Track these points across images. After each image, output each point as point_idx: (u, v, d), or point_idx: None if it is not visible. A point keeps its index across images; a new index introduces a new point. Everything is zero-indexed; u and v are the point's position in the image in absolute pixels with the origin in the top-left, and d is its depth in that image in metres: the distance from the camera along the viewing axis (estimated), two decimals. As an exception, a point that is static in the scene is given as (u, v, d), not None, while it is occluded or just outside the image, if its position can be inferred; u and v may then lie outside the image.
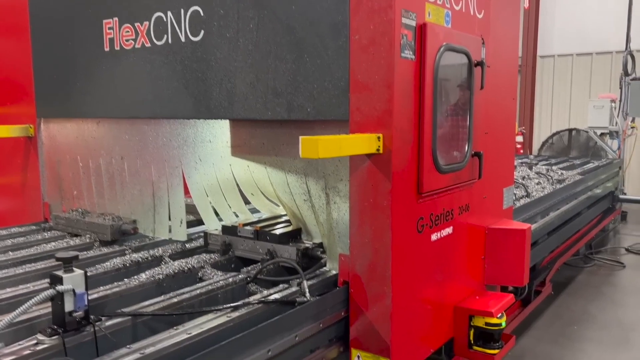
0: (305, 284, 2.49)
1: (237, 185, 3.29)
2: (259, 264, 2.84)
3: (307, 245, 2.85)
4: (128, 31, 3.03)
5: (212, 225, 3.25)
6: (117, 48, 3.10)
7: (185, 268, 2.80)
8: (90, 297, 2.36)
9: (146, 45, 2.95)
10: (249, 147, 2.86)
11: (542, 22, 12.59)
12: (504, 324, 2.72)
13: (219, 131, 3.04)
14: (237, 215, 3.39)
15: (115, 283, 2.58)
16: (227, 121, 2.97)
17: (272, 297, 2.38)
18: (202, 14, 2.69)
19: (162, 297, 2.38)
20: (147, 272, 2.72)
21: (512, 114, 3.36)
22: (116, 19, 3.07)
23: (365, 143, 2.17)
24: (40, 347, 1.84)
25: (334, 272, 2.60)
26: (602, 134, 9.02)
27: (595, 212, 6.81)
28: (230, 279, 2.65)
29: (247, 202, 3.48)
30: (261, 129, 2.81)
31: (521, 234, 3.02)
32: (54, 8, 3.45)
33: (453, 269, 2.72)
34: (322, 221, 2.68)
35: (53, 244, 3.29)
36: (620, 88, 8.91)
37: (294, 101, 2.44)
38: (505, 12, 3.10)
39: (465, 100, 2.67)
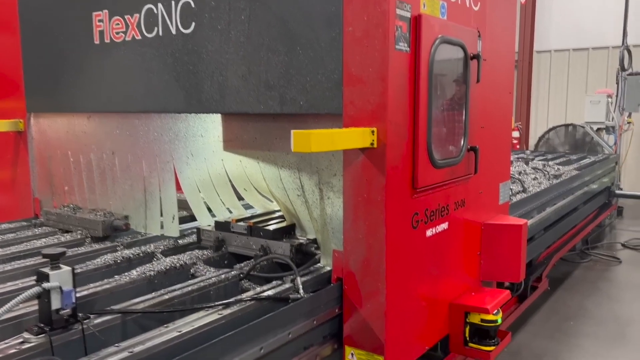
0: (299, 280, 2.45)
1: (230, 180, 3.24)
2: (253, 260, 2.80)
3: (301, 241, 2.82)
4: (118, 23, 2.97)
5: (205, 221, 3.21)
6: (107, 41, 3.04)
7: (177, 264, 2.76)
8: (79, 294, 2.33)
9: (137, 37, 2.90)
10: (241, 141, 2.81)
11: (539, 17, 12.56)
12: (499, 321, 2.69)
13: (211, 125, 3.00)
14: (230, 211, 3.34)
15: (106, 280, 2.54)
16: (219, 115, 2.92)
17: (264, 294, 2.35)
18: (193, 5, 2.64)
19: (152, 294, 2.34)
20: (138, 269, 2.67)
21: (509, 108, 3.33)
22: (106, 11, 3.01)
23: (359, 137, 2.13)
24: (26, 345, 1.80)
25: (328, 268, 2.57)
26: (598, 129, 9.01)
27: (591, 207, 6.81)
28: (223, 276, 2.61)
29: (240, 197, 3.44)
30: (253, 123, 2.76)
31: (517, 230, 2.99)
32: (44, 0, 3.38)
33: (448, 265, 2.69)
34: (315, 217, 2.65)
35: (43, 240, 3.24)
36: (617, 83, 8.90)
37: (286, 94, 2.40)
38: (502, 5, 3.06)
39: (461, 94, 2.63)
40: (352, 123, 2.22)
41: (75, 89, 3.28)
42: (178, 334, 1.95)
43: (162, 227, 3.19)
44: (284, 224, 2.96)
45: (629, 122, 9.10)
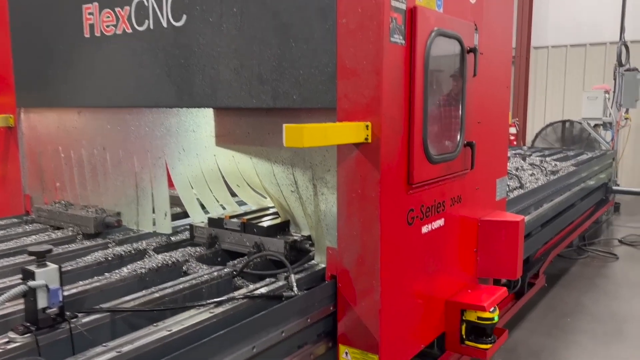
0: (293, 277, 2.42)
1: (223, 176, 3.20)
2: (246, 257, 2.76)
3: (295, 237, 2.77)
4: (109, 16, 2.91)
5: (198, 218, 3.16)
6: (98, 34, 2.99)
7: (169, 262, 2.71)
8: (69, 292, 2.30)
9: (127, 31, 2.84)
10: (233, 136, 2.76)
11: (536, 13, 12.52)
12: (496, 318, 2.66)
13: (203, 120, 2.94)
14: (223, 208, 3.30)
15: (96, 277, 2.49)
16: (211, 110, 2.87)
17: (257, 292, 2.31)
18: (184, -3, 2.59)
19: (143, 292, 2.29)
20: (129, 266, 2.63)
21: (506, 103, 3.28)
22: (96, 3, 2.96)
23: (353, 132, 2.08)
24: (11, 345, 1.76)
25: (322, 265, 2.53)
26: (595, 125, 8.98)
27: (588, 203, 6.79)
28: (215, 273, 2.56)
29: (233, 194, 3.39)
30: (246, 118, 2.71)
31: (514, 226, 2.95)
32: (33, -7, 3.33)
33: (444, 262, 2.65)
34: (310, 213, 2.60)
35: (34, 237, 3.19)
36: (614, 79, 8.87)
37: (279, 88, 2.35)
38: (499, -2, 3.02)
39: (458, 88, 2.59)
40: (347, 117, 2.18)
41: (65, 84, 3.22)
42: (168, 333, 1.91)
43: (154, 223, 3.14)
44: (278, 221, 2.91)
45: (626, 118, 9.07)
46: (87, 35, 3.04)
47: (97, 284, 2.41)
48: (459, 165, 2.62)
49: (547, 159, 6.73)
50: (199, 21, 2.55)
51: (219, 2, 2.46)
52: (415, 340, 2.49)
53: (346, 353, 2.32)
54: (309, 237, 2.74)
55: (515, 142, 10.57)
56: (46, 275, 1.86)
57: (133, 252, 2.89)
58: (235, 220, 2.91)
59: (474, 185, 2.85)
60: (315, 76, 2.26)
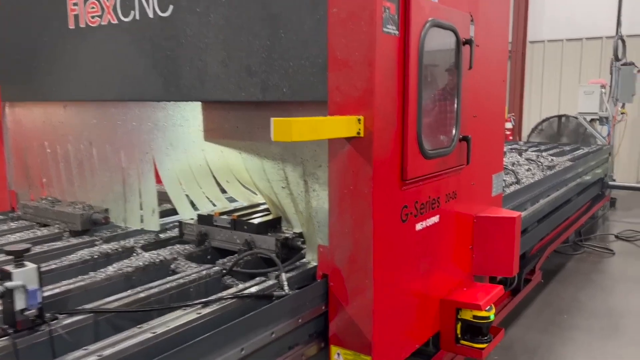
0: (284, 276, 2.35)
1: (212, 172, 3.12)
2: (236, 255, 2.68)
3: (287, 235, 2.70)
4: (94, 7, 2.82)
5: (188, 215, 3.08)
6: (83, 25, 2.90)
7: (157, 260, 2.64)
8: (51, 293, 2.22)
9: (112, 21, 2.75)
10: (222, 131, 2.68)
11: (532, 7, 12.45)
12: (492, 317, 2.60)
13: (191, 114, 2.86)
14: (214, 204, 3.22)
15: (80, 277, 2.41)
16: (199, 103, 2.78)
17: (247, 292, 2.24)
18: (170, -14, 2.50)
19: (128, 292, 2.22)
20: (114, 265, 2.55)
21: (502, 96, 3.22)
22: (81, -6, 2.87)
23: (344, 126, 2.01)
24: (-12, 348, 1.68)
25: (314, 263, 2.46)
26: (592, 120, 8.94)
27: (585, 198, 6.75)
28: (204, 272, 2.49)
29: (224, 190, 3.31)
30: (235, 112, 2.63)
31: (510, 222, 2.89)
32: (16, -16, 3.23)
33: (439, 260, 2.58)
34: (301, 210, 2.53)
35: (19, 234, 3.11)
36: (611, 73, 8.82)
37: (268, 80, 2.27)
38: (496, -11, 2.94)
39: (453, 81, 2.51)
40: (338, 111, 2.10)
41: (50, 77, 3.13)
42: (152, 335, 1.84)
43: (142, 220, 3.06)
44: (269, 217, 2.84)
45: (622, 113, 9.02)
46: (71, 26, 2.95)
47: (81, 283, 2.34)
48: (454, 161, 2.55)
49: (544, 153, 6.68)
50: (186, 11, 2.46)
51: (207, -9, 2.38)
52: (409, 341, 2.42)
53: (338, 354, 2.25)
54: (301, 234, 2.67)
55: (511, 137, 10.53)
56: (24, 275, 1.79)
57: (120, 250, 2.81)
58: (225, 217, 2.83)
59: (470, 180, 2.79)
60: (305, 68, 2.18)
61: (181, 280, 2.38)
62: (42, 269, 2.49)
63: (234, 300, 2.14)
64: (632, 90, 8.72)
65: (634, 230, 7.68)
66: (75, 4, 2.91)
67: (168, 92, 2.60)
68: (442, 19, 2.31)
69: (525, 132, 11.66)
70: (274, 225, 2.80)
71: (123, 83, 2.78)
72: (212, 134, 2.72)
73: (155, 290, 2.26)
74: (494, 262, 2.90)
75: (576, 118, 9.04)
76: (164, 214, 3.36)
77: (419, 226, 2.36)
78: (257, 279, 2.40)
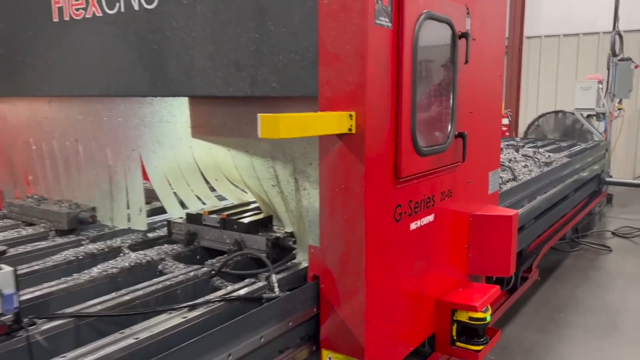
0: (274, 278, 2.28)
1: (200, 169, 3.03)
2: (226, 255, 2.61)
3: (277, 234, 2.63)
4: (78, -1, 2.73)
5: (176, 213, 3.00)
6: (67, 18, 2.80)
7: (144, 261, 2.56)
8: (32, 295, 2.14)
9: (97, 14, 2.66)
10: (210, 127, 2.59)
11: (529, 2, 12.37)
12: (488, 318, 2.53)
13: (178, 110, 2.77)
14: (204, 203, 3.14)
15: (63, 278, 2.33)
16: (186, 99, 2.69)
17: (235, 294, 2.16)
18: (156, -23, 2.41)
19: (112, 295, 2.14)
20: (99, 266, 2.47)
21: (499, 92, 3.14)
22: (64, -15, 2.77)
23: (335, 122, 1.92)
24: (-39, 356, 1.60)
25: (305, 264, 2.38)
26: (588, 116, 8.88)
27: (582, 195, 6.69)
28: (192, 273, 2.41)
29: (213, 188, 3.23)
30: (223, 107, 2.54)
31: (507, 221, 2.82)
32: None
33: (434, 260, 2.51)
34: (292, 209, 2.45)
35: (3, 234, 3.03)
36: (608, 69, 8.76)
37: (257, 75, 2.19)
38: (493, -19, 2.86)
39: (448, 76, 2.43)
40: (329, 106, 2.02)
41: (34, 72, 3.04)
42: (135, 341, 1.76)
43: (129, 219, 2.98)
44: (260, 216, 2.76)
45: (619, 109, 8.96)
46: (55, 19, 2.86)
47: (64, 285, 2.26)
48: (449, 158, 2.48)
49: (540, 150, 6.62)
50: (172, 3, 2.37)
51: (193, -18, 2.29)
52: (403, 343, 2.35)
53: (329, 358, 2.18)
54: (292, 234, 2.60)
55: (507, 133, 10.47)
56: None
57: (106, 250, 2.74)
58: (214, 216, 2.76)
59: (466, 178, 2.71)
60: (295, 62, 2.10)
61: (168, 282, 2.30)
62: (24, 271, 2.44)
63: (221, 303, 2.07)
64: (629, 85, 8.66)
65: (630, 227, 7.64)
66: (59, -4, 2.81)
67: (154, 87, 2.51)
68: (437, 11, 2.23)
69: (521, 128, 11.59)
70: (264, 224, 2.73)
71: (108, 78, 2.69)
72: (200, 130, 2.63)
73: (141, 292, 2.18)
74: (491, 262, 2.83)
75: (573, 114, 8.98)
76: (153, 212, 3.29)
77: (413, 225, 2.29)
78: (247, 280, 2.33)
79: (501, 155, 5.42)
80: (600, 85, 8.88)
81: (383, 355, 2.19)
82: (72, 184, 3.21)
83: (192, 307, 2.00)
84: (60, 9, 2.82)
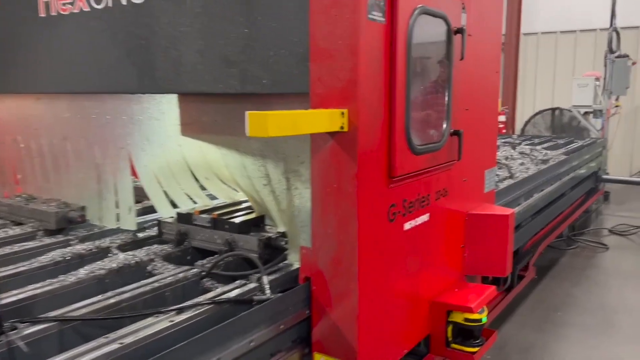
0: (265, 279, 2.22)
1: (190, 168, 2.97)
2: (217, 256, 2.55)
3: (270, 234, 2.57)
4: (64, -7, 2.66)
5: (167, 213, 2.94)
6: (54, 14, 2.74)
7: (132, 262, 2.50)
8: (16, 298, 2.08)
9: (84, 9, 2.60)
10: (200, 125, 2.53)
11: (526, -1, 12.32)
12: (484, 319, 2.48)
13: (167, 107, 2.70)
14: (195, 202, 3.08)
15: (49, 280, 2.27)
16: (176, 96, 2.63)
17: (225, 296, 2.11)
18: (144, -29, 2.34)
19: (98, 298, 2.08)
20: (86, 267, 2.41)
21: (495, 89, 3.08)
22: (51, -21, 2.71)
23: (326, 119, 1.87)
24: (-61, 362, 1.55)
25: (297, 265, 2.32)
26: (585, 113, 8.85)
27: (579, 192, 6.66)
28: (181, 275, 2.36)
29: (204, 187, 3.17)
30: (213, 105, 2.48)
31: (503, 220, 2.77)
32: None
33: (429, 260, 2.46)
34: (284, 208, 2.40)
35: (-10, 234, 2.96)
36: (605, 66, 8.72)
37: (247, 71, 2.13)
38: (489, -24, 2.80)
39: (443, 72, 2.38)
40: (321, 103, 1.96)
41: (20, 68, 2.97)
42: (120, 346, 1.70)
43: (118, 219, 2.92)
44: (251, 216, 2.71)
45: (616, 106, 8.94)
46: (42, 14, 2.79)
47: (49, 287, 2.20)
48: (444, 156, 2.42)
49: (537, 147, 6.58)
50: (161, -3, 2.31)
51: (181, -24, 2.23)
52: (397, 346, 2.30)
53: (321, 362, 2.13)
54: (285, 234, 2.54)
55: (504, 130, 10.43)
56: (-21, 282, 1.65)
57: (95, 250, 2.68)
58: (205, 215, 2.70)
59: (461, 177, 2.66)
60: (286, 58, 2.04)
61: (156, 284, 2.24)
62: (9, 272, 2.38)
63: (211, 305, 2.01)
64: (626, 82, 8.63)
65: (627, 225, 7.61)
66: (45, -9, 2.75)
67: (143, 83, 2.45)
68: (431, 6, 2.17)
69: (518, 125, 11.57)
70: (257, 224, 2.67)
71: (96, 74, 2.63)
72: (190, 128, 2.57)
73: (128, 295, 2.12)
74: (487, 262, 2.78)
75: (570, 111, 8.95)
76: (145, 211, 3.23)
77: (407, 225, 2.24)
78: (238, 281, 2.27)
79: (498, 153, 5.38)
80: (597, 82, 8.85)
81: (376, 359, 2.14)
82: (61, 183, 3.15)
83: (180, 310, 1.95)
84: (47, 4, 2.76)
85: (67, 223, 2.98)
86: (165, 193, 2.98)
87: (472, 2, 2.56)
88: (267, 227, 2.69)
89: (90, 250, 2.66)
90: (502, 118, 10.42)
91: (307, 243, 2.14)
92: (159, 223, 2.86)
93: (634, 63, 8.74)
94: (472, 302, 2.45)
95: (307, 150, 2.07)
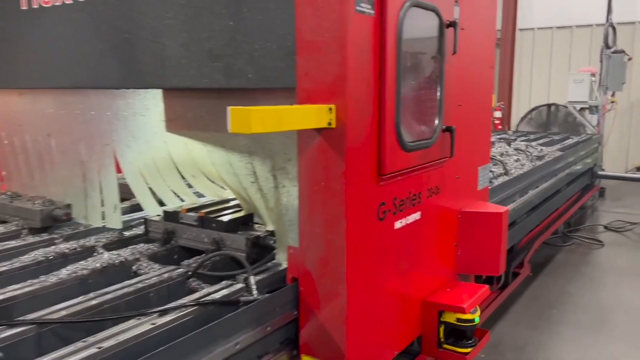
0: (252, 279, 2.17)
1: (176, 165, 2.90)
2: (204, 255, 2.49)
3: (258, 233, 2.51)
4: (46, -15, 2.59)
5: (154, 211, 2.88)
6: (36, 6, 2.66)
7: (116, 261, 2.44)
8: (-7, 299, 2.02)
9: (67, 1, 2.52)
10: (185, 121, 2.46)
11: (522, -5, 12.26)
12: (477, 320, 2.43)
13: (152, 103, 2.63)
14: (182, 199, 3.01)
15: (29, 281, 2.21)
16: (160, 91, 2.56)
17: (211, 297, 2.05)
18: (127, -38, 2.27)
19: (79, 299, 2.02)
20: (69, 267, 2.34)
21: (489, 84, 3.02)
22: (32, -29, 2.63)
23: (313, 115, 1.81)
24: None
25: (286, 265, 2.27)
26: (581, 109, 8.80)
27: (574, 189, 6.62)
28: (166, 275, 2.30)
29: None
30: (198, 100, 2.41)
31: (497, 218, 2.72)
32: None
33: (421, 260, 2.40)
34: (272, 207, 2.34)
35: (-27, 233, 2.89)
36: (601, 61, 8.68)
37: (233, 65, 2.06)
38: (483, -32, 2.74)
39: (435, 67, 2.32)
40: (308, 99, 1.90)
41: (2, 62, 2.89)
42: (98, 350, 1.64)
43: (103, 217, 2.85)
44: (240, 214, 2.65)
45: (612, 102, 8.90)
46: (24, 7, 2.71)
47: (29, 288, 2.14)
48: (436, 153, 2.36)
49: (533, 143, 6.53)
50: (144, -12, 2.24)
51: (165, -34, 2.16)
52: (387, 348, 2.25)
53: (309, 364, 2.07)
54: (274, 232, 2.48)
55: (500, 127, 10.38)
56: (-49, 285, 1.58)
57: (79, 249, 2.61)
58: (192, 213, 2.64)
59: (454, 174, 2.60)
60: (272, 51, 1.97)
61: (140, 285, 2.18)
62: (-11, 272, 2.31)
63: (195, 307, 1.95)
64: (622, 78, 8.59)
65: (623, 221, 7.59)
66: (27, -18, 2.67)
67: (126, 78, 2.38)
68: (423, -1, 2.11)
69: (514, 121, 11.52)
70: (245, 222, 2.61)
71: (79, 69, 2.56)
72: (175, 124, 2.50)
73: (110, 296, 2.06)
74: (480, 260, 2.73)
75: (566, 107, 8.90)
76: (132, 209, 3.16)
77: (398, 224, 2.18)
78: (224, 282, 2.21)
79: (493, 149, 5.34)
80: (593, 78, 8.80)
81: (366, 361, 2.09)
82: (46, 180, 3.08)
83: (164, 312, 1.89)
84: (29, -4, 2.68)
85: (53, 221, 2.91)
86: (152, 191, 2.92)
87: (465, -5, 2.50)
88: (256, 226, 2.63)
89: (75, 249, 2.60)
90: (497, 114, 10.37)
91: (295, 242, 2.09)
92: (146, 221, 2.79)
93: (630, 59, 8.70)
94: (464, 302, 2.40)
95: (295, 147, 2.01)
